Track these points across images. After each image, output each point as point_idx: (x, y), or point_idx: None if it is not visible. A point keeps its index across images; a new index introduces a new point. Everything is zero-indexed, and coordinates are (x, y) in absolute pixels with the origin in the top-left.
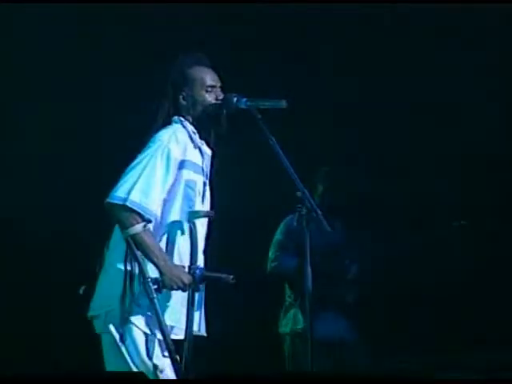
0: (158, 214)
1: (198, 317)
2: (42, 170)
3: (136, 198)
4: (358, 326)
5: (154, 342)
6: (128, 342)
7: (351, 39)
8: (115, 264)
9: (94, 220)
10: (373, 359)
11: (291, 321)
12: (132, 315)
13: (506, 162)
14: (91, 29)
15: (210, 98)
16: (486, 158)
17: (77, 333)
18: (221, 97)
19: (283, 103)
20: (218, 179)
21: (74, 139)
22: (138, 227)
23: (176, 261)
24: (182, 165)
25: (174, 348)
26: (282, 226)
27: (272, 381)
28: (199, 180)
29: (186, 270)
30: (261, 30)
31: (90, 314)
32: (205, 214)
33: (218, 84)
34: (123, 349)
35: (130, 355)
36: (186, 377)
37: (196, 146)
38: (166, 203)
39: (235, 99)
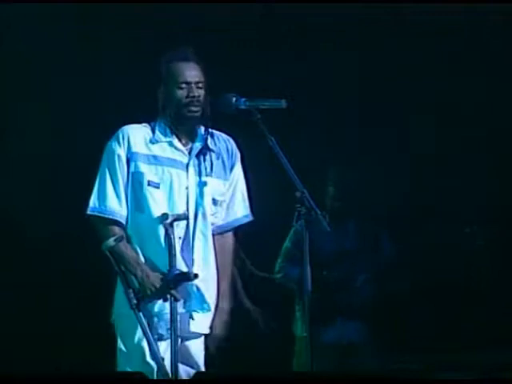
0: (123, 211)
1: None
2: (41, 170)
3: (94, 204)
4: (365, 328)
5: (157, 343)
6: (137, 344)
7: (351, 39)
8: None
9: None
10: (379, 359)
11: (299, 325)
12: (138, 319)
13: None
14: (90, 29)
15: (181, 94)
16: (491, 160)
17: (77, 333)
18: (193, 93)
19: (283, 103)
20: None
21: (74, 139)
22: (110, 241)
23: (151, 266)
24: (129, 159)
25: (159, 353)
26: (291, 233)
27: (273, 381)
28: (155, 171)
29: (162, 275)
30: (260, 30)
31: (111, 319)
32: (176, 217)
33: (194, 80)
34: (132, 351)
35: (141, 357)
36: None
37: (160, 141)
38: (127, 199)
39: (234, 99)
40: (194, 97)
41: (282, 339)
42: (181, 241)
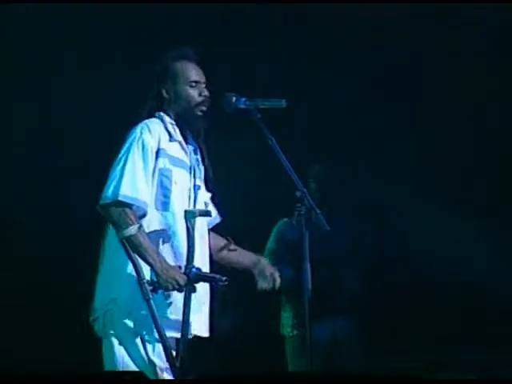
0: (149, 203)
1: (198, 318)
2: (41, 169)
3: (127, 192)
4: (353, 325)
5: (154, 342)
6: (127, 342)
7: (351, 39)
8: (110, 266)
9: (94, 220)
10: (372, 359)
11: (289, 323)
12: (130, 316)
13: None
14: (90, 28)
15: (193, 93)
16: (480, 158)
17: (77, 333)
18: (204, 93)
19: (283, 103)
20: (217, 179)
21: (74, 139)
22: (133, 228)
23: (171, 260)
24: (157, 154)
25: (170, 348)
26: (274, 232)
27: (271, 381)
28: (177, 171)
29: (183, 269)
30: (261, 30)
31: (91, 317)
32: (201, 213)
33: (203, 80)
34: (122, 350)
35: (130, 356)
36: (183, 377)
37: (174, 140)
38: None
39: (234, 99)
40: (205, 96)
41: (272, 339)
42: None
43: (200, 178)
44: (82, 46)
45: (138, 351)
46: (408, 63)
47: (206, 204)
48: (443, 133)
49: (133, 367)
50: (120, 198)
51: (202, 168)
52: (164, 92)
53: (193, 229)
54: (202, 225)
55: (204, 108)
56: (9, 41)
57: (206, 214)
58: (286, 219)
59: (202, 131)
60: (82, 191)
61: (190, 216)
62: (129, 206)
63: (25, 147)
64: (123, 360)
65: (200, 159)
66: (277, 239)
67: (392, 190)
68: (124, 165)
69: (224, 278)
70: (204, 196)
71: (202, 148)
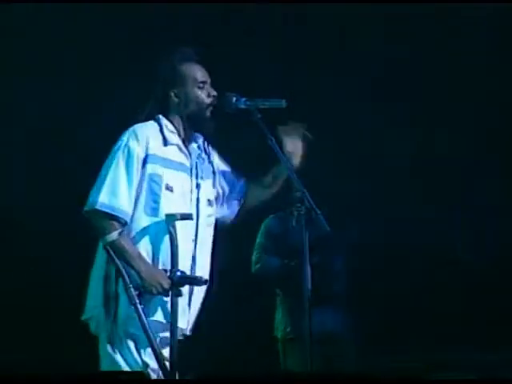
0: (130, 211)
1: (186, 317)
2: (41, 169)
3: (105, 200)
4: (352, 324)
5: (146, 343)
6: (119, 343)
7: (351, 39)
8: (100, 268)
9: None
10: (371, 359)
11: (283, 323)
12: (118, 318)
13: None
14: (88, 28)
15: (202, 95)
16: (480, 157)
17: (76, 333)
18: (213, 93)
19: (283, 103)
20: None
21: (74, 139)
22: (114, 234)
23: (156, 265)
24: (145, 160)
25: (159, 350)
26: (262, 228)
27: (270, 381)
28: (172, 175)
29: (168, 273)
30: (261, 30)
31: (83, 317)
32: (182, 217)
33: (208, 80)
34: (114, 349)
35: (122, 356)
36: (174, 377)
37: (170, 144)
38: (135, 200)
39: (234, 99)
40: (214, 96)
41: (269, 339)
42: (193, 243)
43: (203, 177)
44: (82, 46)
45: (130, 352)
46: (408, 63)
47: (209, 202)
48: (443, 133)
49: (125, 367)
50: (97, 207)
51: (209, 166)
52: (173, 95)
53: (175, 232)
54: (204, 230)
55: (212, 109)
56: (9, 41)
57: (188, 217)
58: (272, 215)
59: (204, 131)
60: (82, 191)
61: (169, 220)
62: (108, 213)
63: (25, 147)
64: (116, 359)
65: (206, 158)
66: (265, 234)
67: (392, 190)
68: (107, 173)
69: (204, 279)
70: (207, 194)
71: (208, 148)
